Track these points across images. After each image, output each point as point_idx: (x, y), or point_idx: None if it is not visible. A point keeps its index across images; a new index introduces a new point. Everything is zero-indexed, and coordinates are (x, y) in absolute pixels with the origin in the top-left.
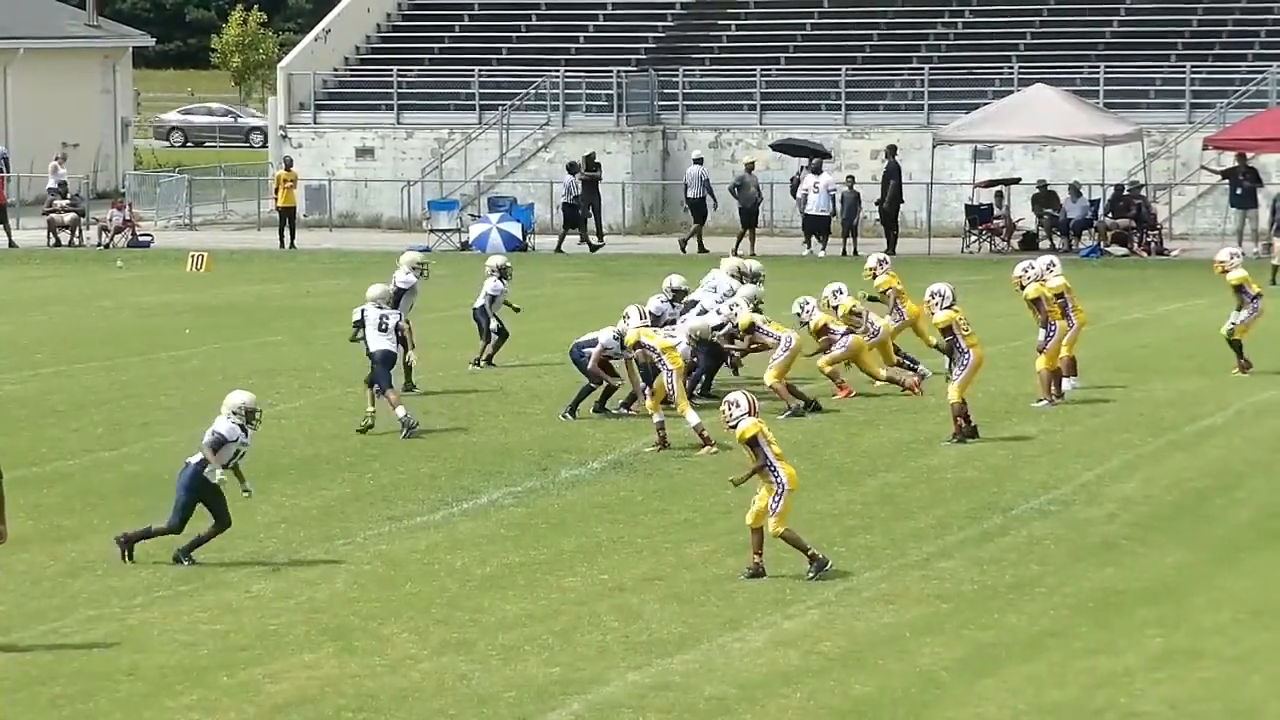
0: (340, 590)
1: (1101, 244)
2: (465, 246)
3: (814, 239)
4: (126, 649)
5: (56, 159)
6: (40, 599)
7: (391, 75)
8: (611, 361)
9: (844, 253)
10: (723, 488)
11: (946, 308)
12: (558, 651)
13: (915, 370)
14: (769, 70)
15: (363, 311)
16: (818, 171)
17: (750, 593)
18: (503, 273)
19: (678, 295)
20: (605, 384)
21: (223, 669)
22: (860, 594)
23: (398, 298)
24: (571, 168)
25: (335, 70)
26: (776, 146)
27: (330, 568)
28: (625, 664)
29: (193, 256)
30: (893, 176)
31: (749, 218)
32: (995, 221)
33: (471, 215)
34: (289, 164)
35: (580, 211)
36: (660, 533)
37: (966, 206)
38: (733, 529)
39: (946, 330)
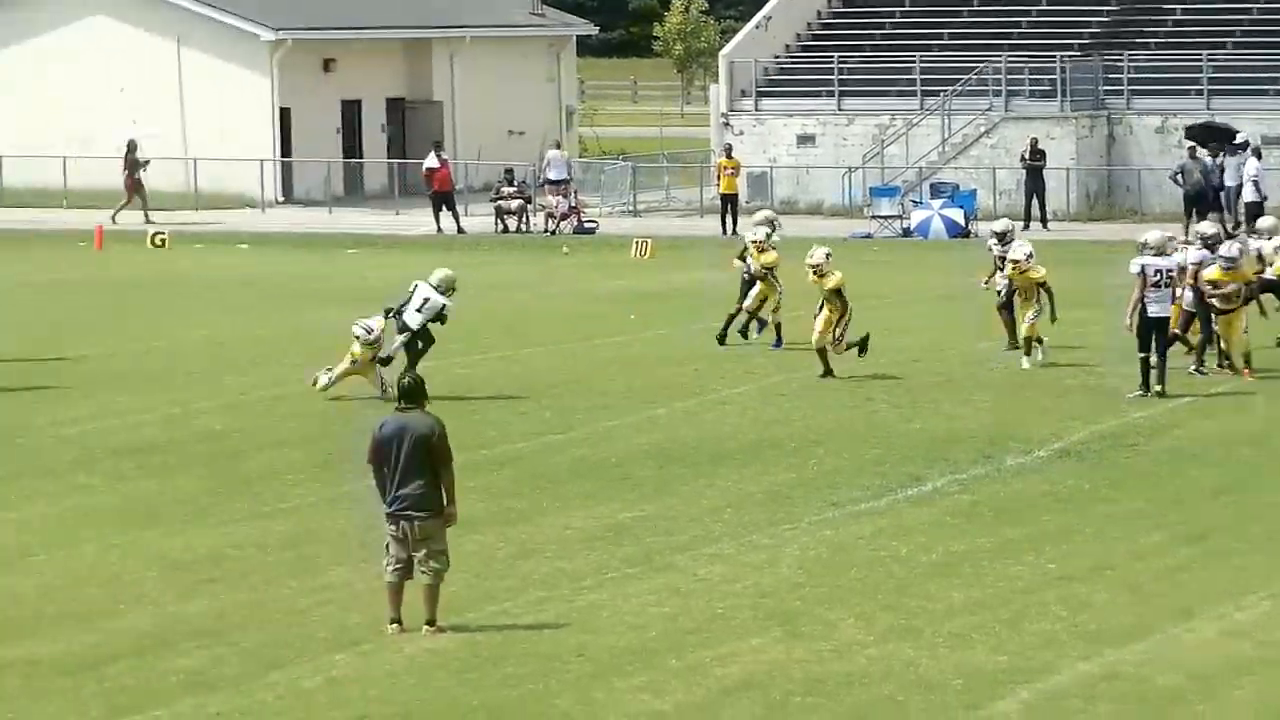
0: (786, 575)
1: None
2: (907, 233)
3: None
4: (576, 630)
5: (555, 145)
6: (491, 580)
7: (832, 62)
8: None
9: None
10: (1174, 477)
11: None
12: (1005, 640)
13: None
14: (1215, 54)
15: (417, 285)
16: (1246, 153)
17: (1201, 583)
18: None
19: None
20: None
21: (671, 651)
22: None
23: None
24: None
25: (776, 57)
26: (1190, 132)
27: (776, 552)
28: (1075, 653)
29: (636, 243)
30: None
31: (1194, 203)
32: None
33: (913, 201)
34: (729, 151)
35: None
36: (1109, 522)
37: None
38: (1185, 519)
39: None
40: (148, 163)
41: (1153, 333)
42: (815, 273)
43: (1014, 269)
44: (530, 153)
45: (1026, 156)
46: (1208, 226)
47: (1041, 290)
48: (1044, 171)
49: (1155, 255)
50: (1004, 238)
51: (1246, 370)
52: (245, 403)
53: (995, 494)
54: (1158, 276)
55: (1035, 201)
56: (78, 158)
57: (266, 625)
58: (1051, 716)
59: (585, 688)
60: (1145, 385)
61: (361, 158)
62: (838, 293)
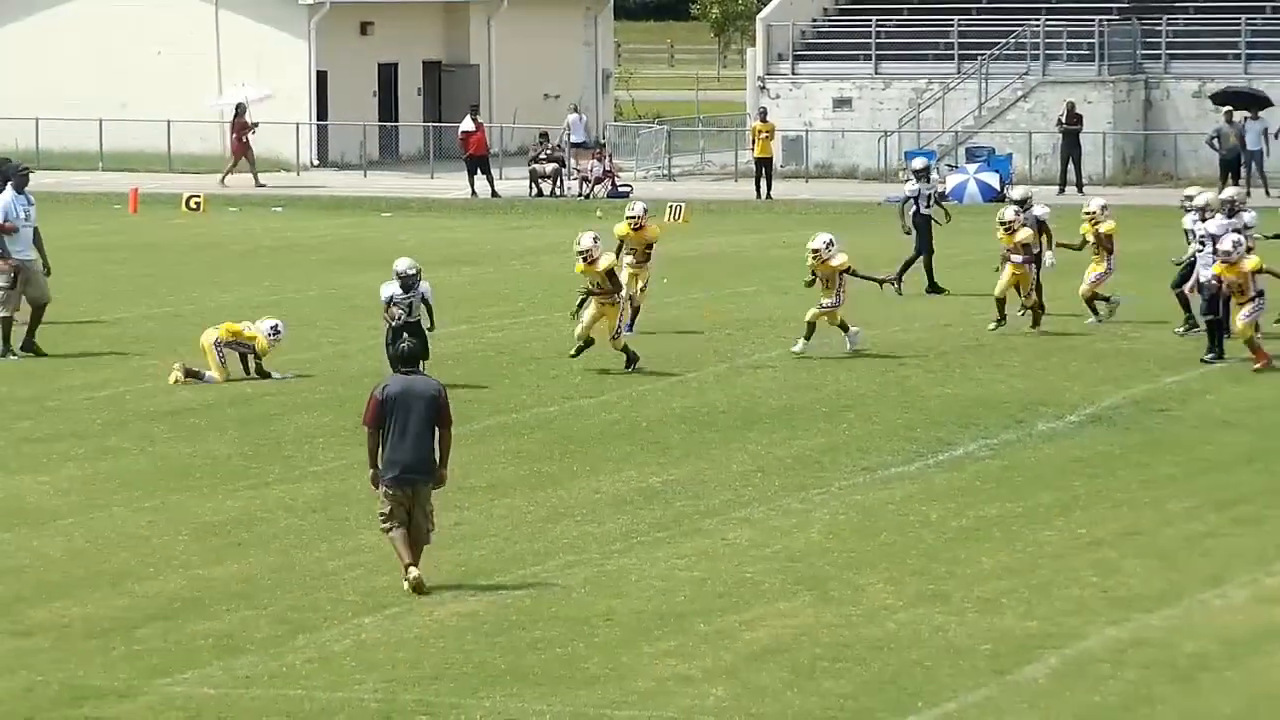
0: (815, 540)
1: None
2: (942, 197)
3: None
4: (604, 594)
5: (573, 109)
6: (520, 543)
7: (870, 25)
8: None
9: None
10: (1205, 443)
11: None
12: (1035, 605)
13: None
14: (1254, 19)
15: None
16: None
17: (1231, 549)
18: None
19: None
20: None
21: (699, 616)
22: None
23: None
24: None
25: (814, 21)
26: (1216, 99)
27: (805, 517)
28: (1104, 619)
29: (671, 207)
30: None
31: (1229, 168)
32: None
33: (949, 166)
34: (765, 115)
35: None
36: (1140, 488)
37: None
38: (1215, 485)
39: None
40: (256, 125)
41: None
42: (817, 258)
43: (813, 258)
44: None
45: (1063, 121)
46: (1230, 193)
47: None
48: (1080, 136)
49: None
50: (1025, 204)
51: (1255, 355)
52: (276, 365)
53: (1026, 459)
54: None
55: (1071, 166)
56: (114, 120)
57: (296, 588)
58: (1080, 682)
59: (613, 652)
60: (1216, 347)
61: (397, 121)
62: (843, 274)
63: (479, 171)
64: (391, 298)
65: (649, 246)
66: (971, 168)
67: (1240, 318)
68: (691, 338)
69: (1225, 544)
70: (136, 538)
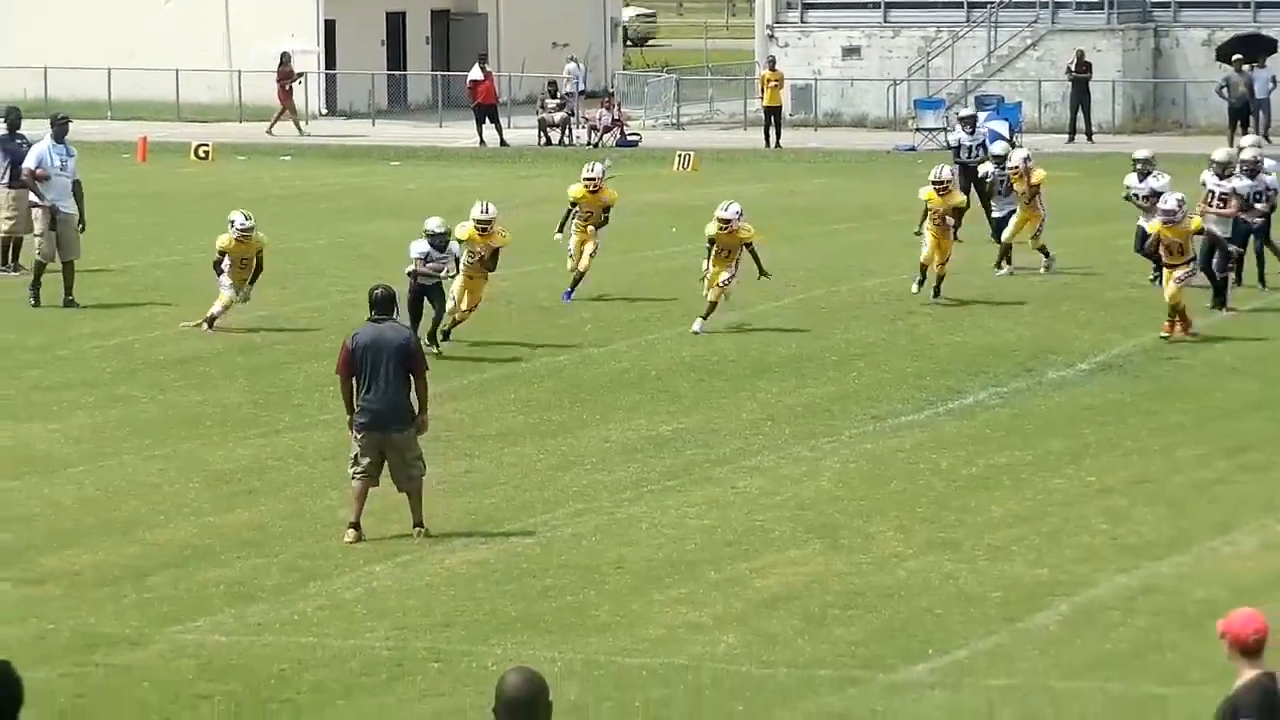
0: (825, 488)
1: None
2: (984, 149)
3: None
4: (614, 542)
5: (573, 60)
6: (531, 492)
7: None
8: None
9: None
10: (1215, 390)
11: None
12: (1045, 553)
13: None
14: None
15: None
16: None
17: (1240, 496)
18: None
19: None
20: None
21: (710, 563)
22: None
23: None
24: None
25: None
26: (1221, 51)
27: (815, 465)
28: (1113, 566)
29: (679, 156)
30: None
31: (1238, 116)
32: None
33: (958, 115)
34: (774, 64)
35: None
36: (1149, 435)
37: None
38: (1224, 433)
39: None
40: (302, 75)
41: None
42: (726, 229)
43: (721, 228)
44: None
45: (1072, 69)
46: (1247, 141)
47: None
48: (1090, 84)
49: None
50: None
51: (1182, 327)
52: (286, 314)
53: (1036, 407)
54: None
55: (1080, 114)
56: (123, 69)
57: (307, 536)
58: (1090, 629)
59: (624, 599)
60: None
61: (405, 70)
62: (748, 246)
63: (487, 120)
64: (426, 255)
65: (606, 210)
66: (981, 116)
67: (1174, 280)
68: (701, 285)
69: (1234, 491)
70: (147, 485)
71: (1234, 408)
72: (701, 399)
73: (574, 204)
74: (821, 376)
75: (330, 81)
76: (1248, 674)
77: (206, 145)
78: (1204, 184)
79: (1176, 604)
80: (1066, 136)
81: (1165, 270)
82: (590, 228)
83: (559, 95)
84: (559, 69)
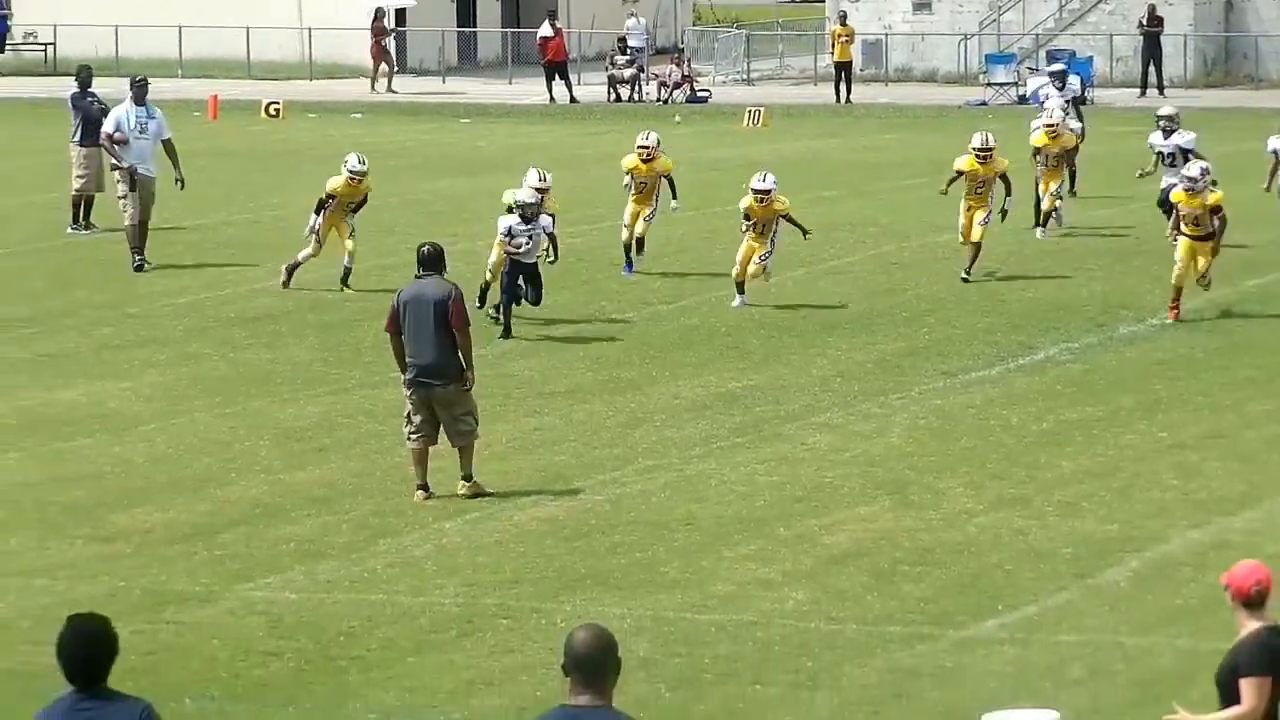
0: (895, 444)
1: None
2: (1022, 100)
3: None
4: (684, 499)
5: (634, 15)
6: (600, 449)
7: None
8: None
9: None
10: None
11: None
12: (1116, 508)
13: None
14: None
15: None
16: None
17: None
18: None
19: None
20: None
21: (779, 520)
22: None
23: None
24: None
25: None
26: None
27: (885, 421)
28: (1185, 522)
29: (749, 112)
30: None
31: None
32: None
33: (1029, 69)
34: (844, 18)
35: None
36: (1221, 390)
37: None
38: None
39: None
40: (393, 31)
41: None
42: (761, 200)
43: (758, 200)
44: (646, 22)
45: (1144, 23)
46: None
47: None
48: (1161, 38)
49: None
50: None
51: (1173, 310)
52: (357, 271)
53: (1107, 362)
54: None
55: (1152, 68)
56: (193, 27)
57: (376, 493)
58: (1161, 585)
59: (693, 556)
60: None
61: (476, 27)
62: (787, 218)
63: (557, 77)
64: (510, 230)
65: (665, 178)
66: (1047, 71)
67: (1207, 262)
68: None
69: None
70: (218, 443)
71: None
72: (771, 355)
73: (629, 174)
74: (892, 332)
75: (401, 39)
76: (1250, 625)
77: (277, 103)
78: (1275, 151)
79: (1248, 559)
80: (1138, 91)
81: (1182, 239)
82: (644, 199)
83: (629, 51)
84: (636, 26)
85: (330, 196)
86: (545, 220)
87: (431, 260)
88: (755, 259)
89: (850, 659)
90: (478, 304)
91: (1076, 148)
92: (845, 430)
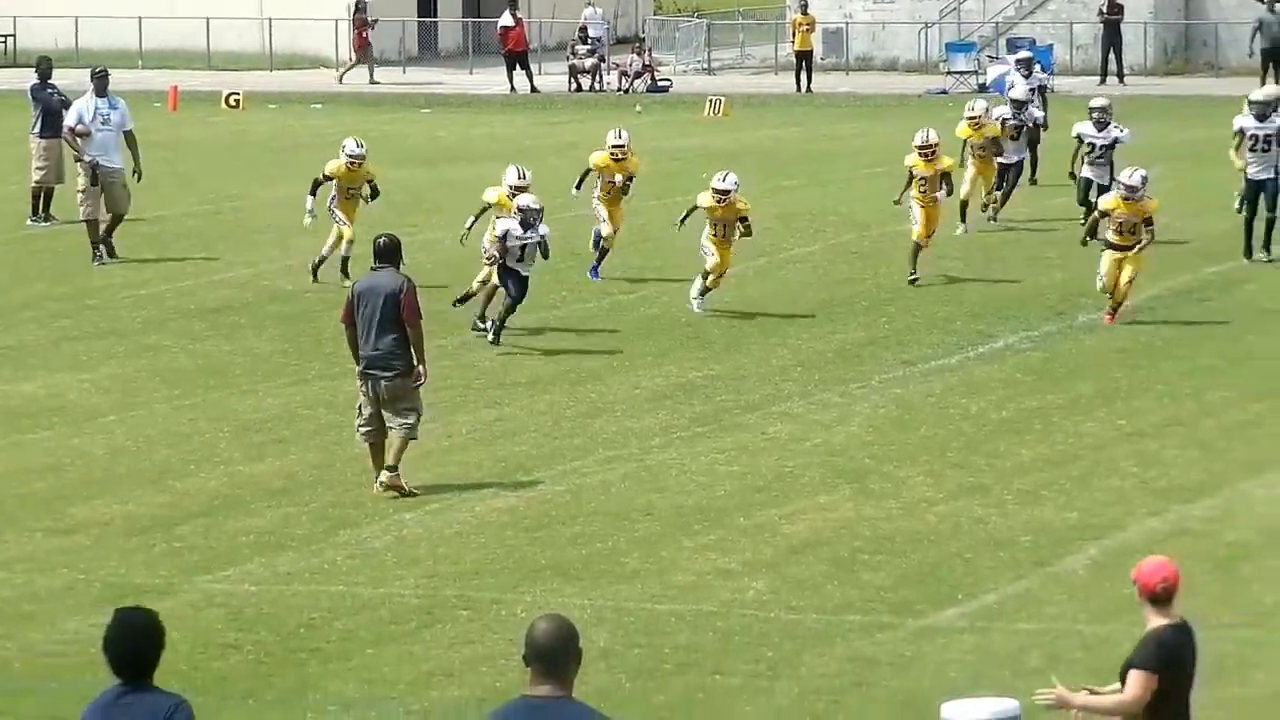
0: (856, 433)
1: None
2: (983, 89)
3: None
4: (644, 489)
5: (591, 4)
6: (561, 439)
7: None
8: None
9: None
10: (1246, 332)
11: None
12: (1075, 497)
13: None
14: None
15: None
16: None
17: (1272, 438)
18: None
19: None
20: None
21: (739, 510)
22: None
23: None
24: None
25: None
26: None
27: (845, 410)
28: (1144, 510)
29: (710, 101)
30: None
31: (1270, 58)
32: None
33: (990, 57)
34: (805, 7)
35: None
36: (1180, 378)
37: None
38: (1256, 374)
39: None
40: (375, 22)
41: (1257, 195)
42: (720, 200)
43: (718, 200)
44: (606, 11)
45: (1104, 10)
46: (1271, 89)
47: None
48: (1121, 26)
49: (1255, 117)
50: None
51: (1109, 314)
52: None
53: (1066, 350)
54: (1252, 141)
55: (1112, 56)
56: (153, 18)
57: (336, 485)
58: (1119, 573)
59: (653, 546)
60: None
61: (436, 17)
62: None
63: (518, 67)
64: (507, 233)
65: (629, 179)
66: (1012, 58)
67: (1129, 269)
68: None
69: (1266, 433)
70: (177, 435)
71: (1265, 350)
72: (731, 345)
73: (594, 171)
74: (852, 322)
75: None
76: (1155, 621)
77: (237, 94)
78: (1239, 129)
79: (1207, 547)
80: (1098, 78)
81: (1109, 251)
82: (614, 200)
83: (589, 41)
84: (593, 16)
85: (327, 178)
86: (544, 229)
87: (387, 252)
88: (725, 267)
89: (810, 648)
90: (455, 303)
91: (1038, 137)
92: (805, 419)
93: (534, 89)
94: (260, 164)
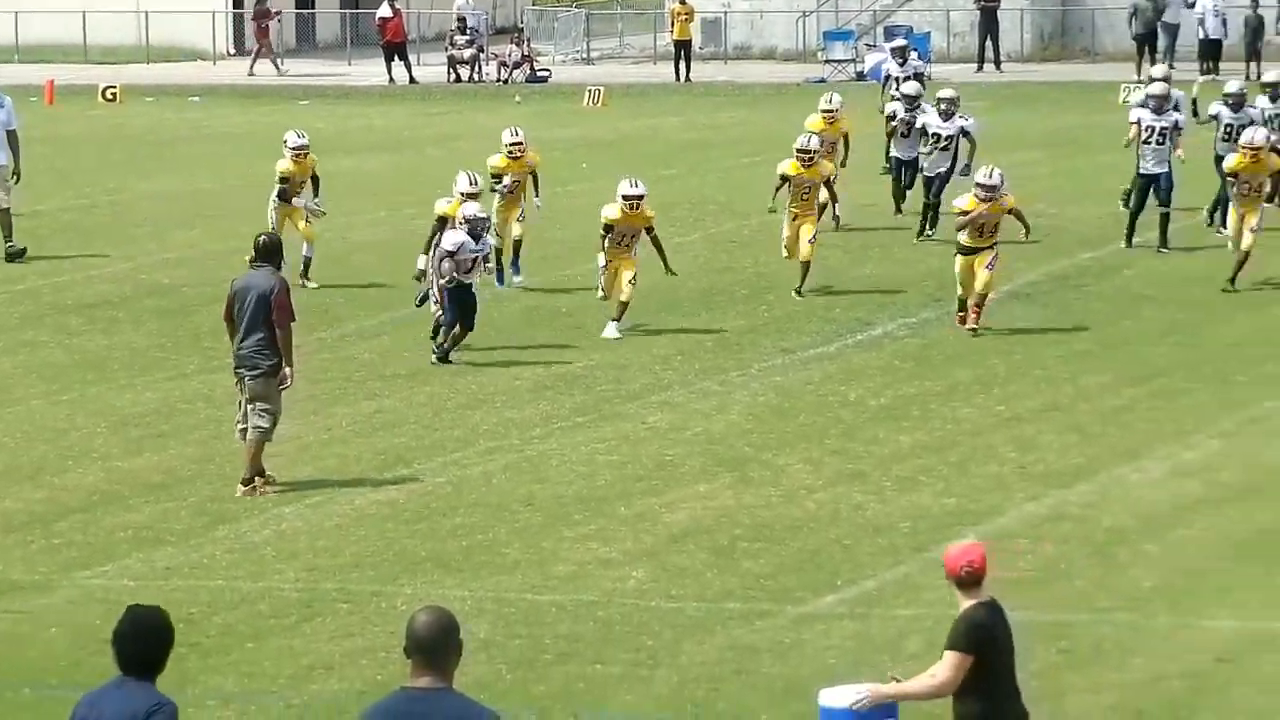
0: (735, 421)
1: None
2: (861, 77)
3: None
4: (525, 479)
5: None
6: (440, 431)
7: None
8: None
9: (1246, 77)
10: (1123, 318)
11: None
12: (953, 482)
13: None
14: None
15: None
16: None
17: (1148, 423)
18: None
19: None
20: None
21: (620, 499)
22: (1263, 424)
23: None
24: None
25: None
26: None
27: (725, 399)
28: (1021, 495)
29: (590, 91)
30: None
31: (1145, 42)
32: None
33: (867, 45)
34: None
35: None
36: (1057, 363)
37: None
38: (1133, 360)
39: None
40: (279, 14)
41: (1148, 189)
42: (633, 207)
43: (627, 208)
44: (483, 2)
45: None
46: (1158, 71)
47: None
48: (998, 13)
49: (1153, 110)
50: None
51: (975, 312)
52: (194, 257)
53: (944, 337)
54: (1148, 133)
55: (989, 43)
56: (29, 11)
57: (215, 479)
58: (998, 557)
59: (534, 536)
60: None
61: (314, 9)
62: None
63: (396, 58)
64: (462, 246)
65: (532, 174)
66: (889, 46)
67: (985, 268)
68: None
69: (1142, 418)
70: (54, 431)
71: (1142, 335)
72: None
73: (496, 176)
74: (731, 310)
75: (239, 21)
76: (966, 603)
77: (114, 87)
78: (1215, 116)
79: (1084, 532)
80: (975, 66)
81: (966, 254)
82: (513, 200)
83: (468, 31)
84: (466, 6)
85: (285, 179)
86: (488, 238)
87: (268, 251)
88: (626, 283)
89: (690, 636)
90: (434, 336)
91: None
92: (685, 408)
93: (413, 80)
94: (138, 157)
